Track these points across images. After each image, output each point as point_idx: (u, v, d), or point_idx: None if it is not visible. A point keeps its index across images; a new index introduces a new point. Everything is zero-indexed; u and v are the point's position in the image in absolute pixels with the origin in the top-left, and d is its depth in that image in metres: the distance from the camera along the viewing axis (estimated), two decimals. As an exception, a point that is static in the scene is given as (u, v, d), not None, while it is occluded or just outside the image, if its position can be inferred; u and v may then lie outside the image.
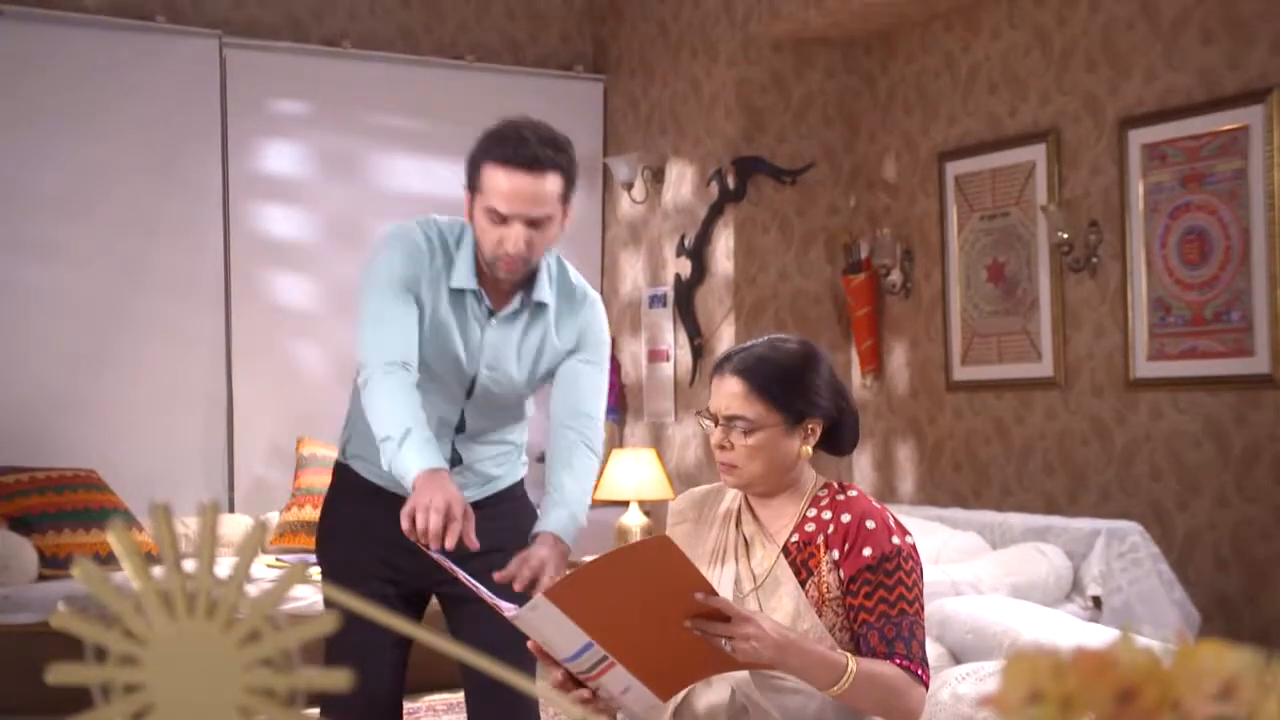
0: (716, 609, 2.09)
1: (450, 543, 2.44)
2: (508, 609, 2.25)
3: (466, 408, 2.86)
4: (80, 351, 6.21)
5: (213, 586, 0.82)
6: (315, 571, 5.64)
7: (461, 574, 2.43)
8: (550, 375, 2.89)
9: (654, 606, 2.13)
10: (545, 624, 2.15)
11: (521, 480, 3.05)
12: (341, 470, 2.98)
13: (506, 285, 2.79)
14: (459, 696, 4.39)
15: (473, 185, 2.72)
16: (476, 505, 2.86)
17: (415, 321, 2.73)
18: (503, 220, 2.66)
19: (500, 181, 2.65)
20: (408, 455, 2.54)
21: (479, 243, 2.73)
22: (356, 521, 2.82)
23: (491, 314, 2.80)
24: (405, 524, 2.46)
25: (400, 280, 2.73)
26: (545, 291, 2.81)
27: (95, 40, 6.32)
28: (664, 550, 2.07)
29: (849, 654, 2.17)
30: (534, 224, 2.67)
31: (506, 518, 2.87)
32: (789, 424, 2.30)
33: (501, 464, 2.96)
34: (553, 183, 2.68)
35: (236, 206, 6.59)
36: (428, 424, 2.70)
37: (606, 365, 2.92)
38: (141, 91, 6.38)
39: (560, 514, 2.72)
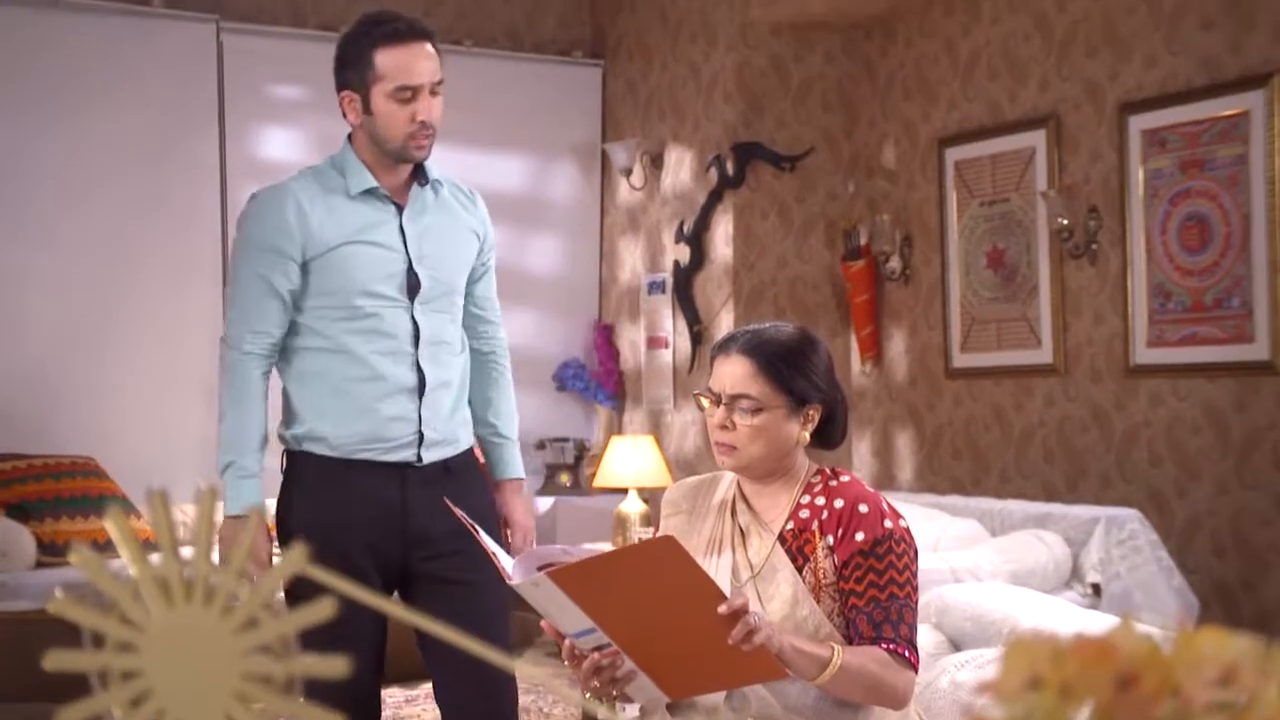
0: (723, 614, 2.07)
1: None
2: (512, 575, 2.25)
3: (418, 316, 2.86)
4: (78, 338, 6.20)
5: (210, 573, 0.82)
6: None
7: (482, 534, 2.42)
8: (472, 271, 3.00)
9: (659, 606, 2.13)
10: (549, 602, 2.15)
11: (471, 448, 3.03)
12: (297, 460, 2.84)
13: (403, 178, 2.88)
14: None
15: (366, 79, 2.79)
16: (446, 468, 2.88)
17: (284, 289, 2.79)
18: (414, 94, 2.77)
19: (402, 58, 2.77)
20: (229, 492, 2.76)
21: (386, 133, 2.79)
22: (325, 512, 2.78)
23: (400, 209, 2.87)
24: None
25: (270, 246, 2.78)
26: (431, 170, 2.90)
27: (92, 26, 6.29)
28: (669, 549, 2.08)
29: (835, 645, 2.17)
30: (435, 92, 2.82)
31: (469, 494, 2.84)
32: (791, 407, 2.31)
33: (456, 413, 2.94)
34: (433, 49, 2.84)
35: (235, 192, 6.56)
36: (382, 375, 2.81)
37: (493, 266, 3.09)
38: (139, 77, 6.36)
39: (507, 453, 3.04)
